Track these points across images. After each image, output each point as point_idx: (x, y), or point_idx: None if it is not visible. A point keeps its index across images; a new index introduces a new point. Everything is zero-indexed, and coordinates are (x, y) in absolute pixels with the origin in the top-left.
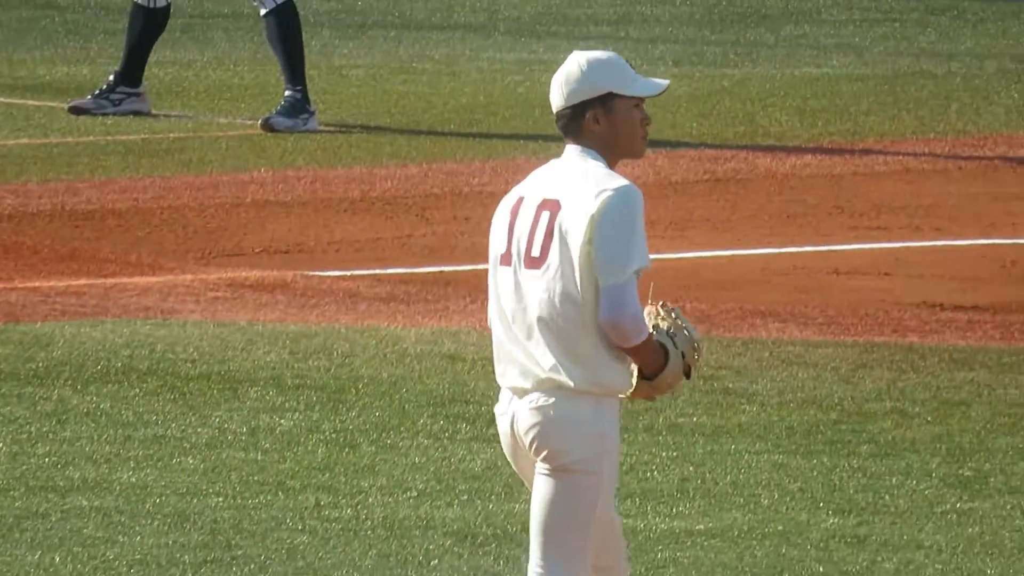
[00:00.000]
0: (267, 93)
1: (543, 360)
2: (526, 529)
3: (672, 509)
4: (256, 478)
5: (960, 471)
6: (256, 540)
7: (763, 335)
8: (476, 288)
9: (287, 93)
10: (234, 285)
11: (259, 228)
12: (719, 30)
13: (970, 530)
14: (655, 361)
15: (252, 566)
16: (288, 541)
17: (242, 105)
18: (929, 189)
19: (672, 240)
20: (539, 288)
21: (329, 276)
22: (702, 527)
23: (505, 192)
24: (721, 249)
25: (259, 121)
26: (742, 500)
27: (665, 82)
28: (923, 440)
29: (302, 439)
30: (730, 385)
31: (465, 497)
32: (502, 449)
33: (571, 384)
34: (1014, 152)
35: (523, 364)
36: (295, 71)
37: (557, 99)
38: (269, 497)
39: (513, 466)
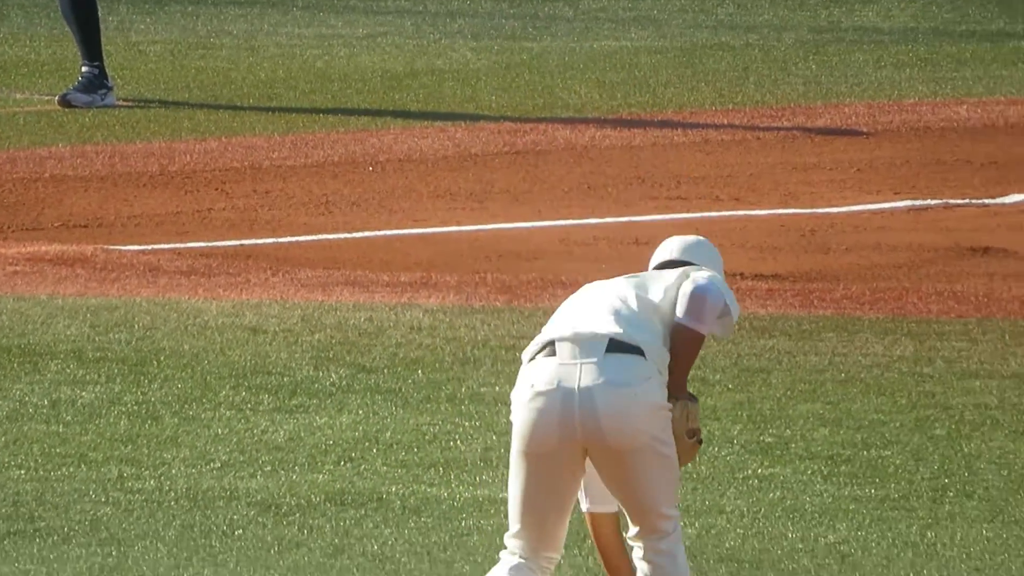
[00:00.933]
0: (64, 69)
1: (632, 320)
2: (330, 499)
3: (476, 478)
4: (58, 450)
5: (761, 437)
6: (59, 512)
7: None
8: (276, 260)
9: (84, 69)
10: (33, 259)
11: (57, 203)
12: (517, 3)
13: (771, 495)
14: (689, 367)
15: (55, 538)
16: (91, 513)
17: (39, 81)
18: (728, 160)
19: (472, 212)
20: (634, 281)
21: (129, 250)
22: (505, 495)
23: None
24: (522, 221)
25: (56, 97)
26: None
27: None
28: (724, 407)
29: (104, 411)
30: None
31: (268, 468)
32: (526, 418)
33: (646, 354)
34: (812, 123)
35: (601, 320)
36: (92, 47)
37: (696, 257)
38: (71, 469)
39: (539, 444)
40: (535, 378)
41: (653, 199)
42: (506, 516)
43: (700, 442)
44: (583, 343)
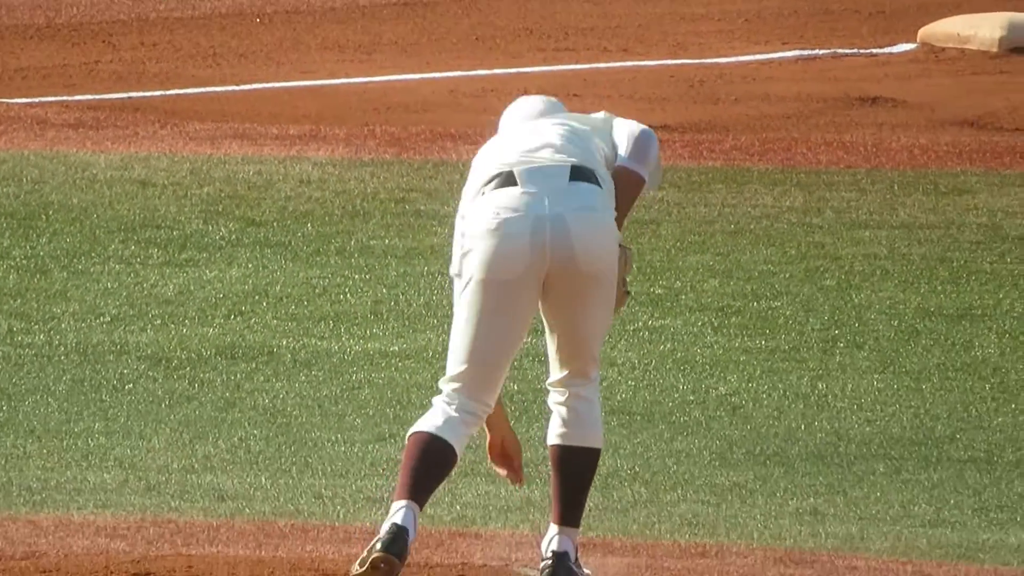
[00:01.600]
0: None
1: (584, 150)
2: (220, 352)
3: (366, 331)
4: None
5: (651, 289)
6: None
7: (453, 157)
8: (165, 113)
9: None
10: None
11: None
12: None
13: (662, 347)
14: (628, 213)
15: None
16: None
17: None
18: (616, 10)
19: (360, 64)
20: (562, 118)
21: (16, 103)
22: (396, 348)
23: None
24: (410, 72)
25: None
26: (435, 321)
27: None
28: None
29: None
30: (421, 208)
31: (159, 322)
32: (492, 245)
33: (602, 186)
34: None
35: (557, 148)
36: None
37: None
38: None
39: (506, 270)
40: (499, 206)
41: (541, 50)
42: (395, 369)
43: (628, 293)
44: (546, 171)
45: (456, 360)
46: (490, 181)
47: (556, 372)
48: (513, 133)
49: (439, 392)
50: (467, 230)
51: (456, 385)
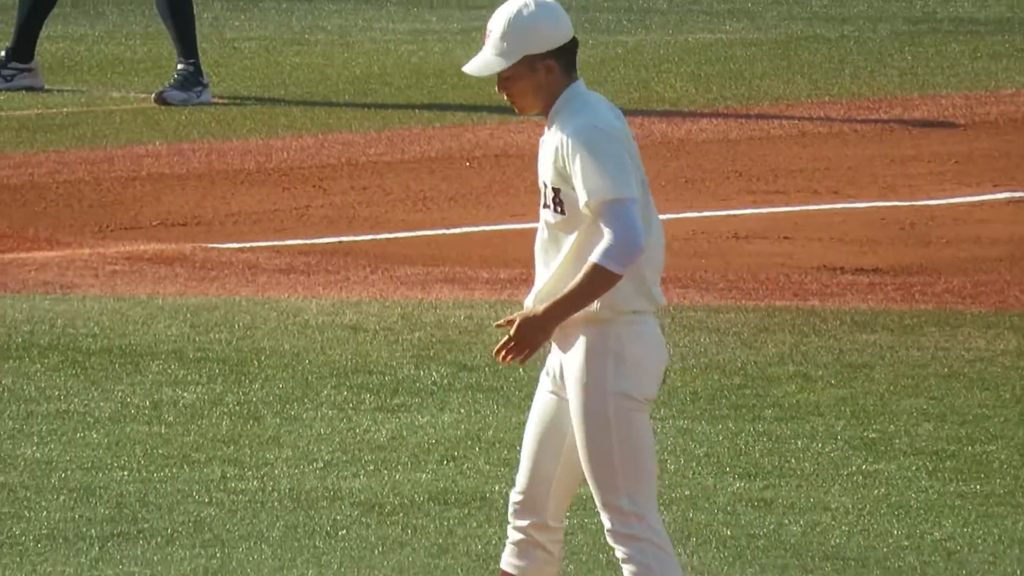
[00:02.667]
0: (160, 67)
1: None
2: (433, 498)
3: None
4: (161, 451)
5: (865, 433)
6: (162, 513)
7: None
8: (375, 257)
9: (180, 66)
10: (132, 259)
11: (155, 201)
12: None
13: (876, 492)
14: None
15: (159, 539)
16: (195, 514)
17: (135, 79)
18: (825, 152)
19: None
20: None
21: (228, 248)
22: None
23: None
24: None
25: (152, 95)
26: None
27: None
28: (827, 403)
29: (206, 412)
30: None
31: (371, 467)
32: (657, 371)
33: None
34: (909, 114)
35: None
36: (187, 44)
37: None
38: (174, 470)
39: (653, 395)
40: (658, 338)
41: (751, 193)
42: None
43: None
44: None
45: (650, 478)
46: (644, 308)
47: (558, 514)
48: (656, 233)
49: (638, 526)
50: (639, 357)
51: (656, 515)
